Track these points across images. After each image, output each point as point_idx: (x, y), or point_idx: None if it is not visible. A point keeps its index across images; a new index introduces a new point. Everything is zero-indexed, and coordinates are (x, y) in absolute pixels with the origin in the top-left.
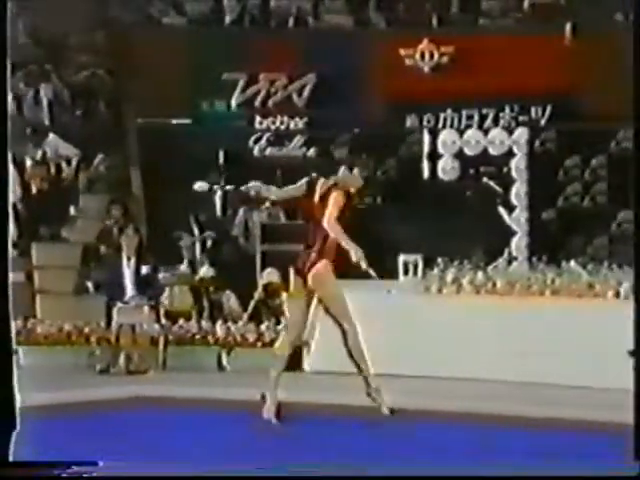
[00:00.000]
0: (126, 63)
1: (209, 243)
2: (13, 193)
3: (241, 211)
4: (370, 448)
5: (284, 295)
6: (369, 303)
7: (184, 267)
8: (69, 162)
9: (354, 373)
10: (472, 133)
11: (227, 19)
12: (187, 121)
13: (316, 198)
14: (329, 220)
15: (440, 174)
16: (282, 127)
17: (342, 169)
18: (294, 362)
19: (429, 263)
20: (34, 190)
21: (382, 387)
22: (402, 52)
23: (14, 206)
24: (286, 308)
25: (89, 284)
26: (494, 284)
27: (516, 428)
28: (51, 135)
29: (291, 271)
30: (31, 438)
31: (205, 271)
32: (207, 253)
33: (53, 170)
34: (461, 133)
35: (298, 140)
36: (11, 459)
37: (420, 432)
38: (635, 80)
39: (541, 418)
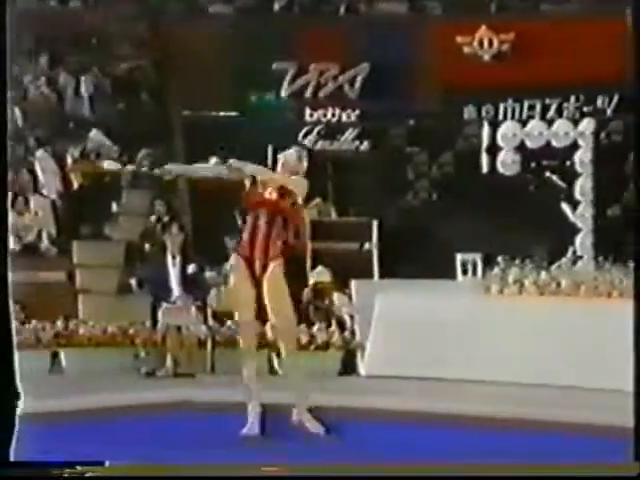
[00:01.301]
0: (171, 54)
1: None
2: (54, 189)
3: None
4: (425, 452)
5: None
6: (425, 305)
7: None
8: (112, 157)
9: (410, 377)
10: (534, 124)
11: (276, 7)
12: (234, 114)
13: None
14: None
15: (500, 168)
16: (333, 119)
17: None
18: (349, 366)
19: (489, 262)
20: (75, 186)
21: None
22: (459, 39)
23: (53, 203)
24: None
25: (133, 283)
26: (558, 284)
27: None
28: (94, 130)
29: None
30: (74, 442)
31: None
32: None
33: (95, 165)
34: (523, 124)
35: (350, 133)
36: (21, 459)
37: (476, 437)
38: (637, 77)
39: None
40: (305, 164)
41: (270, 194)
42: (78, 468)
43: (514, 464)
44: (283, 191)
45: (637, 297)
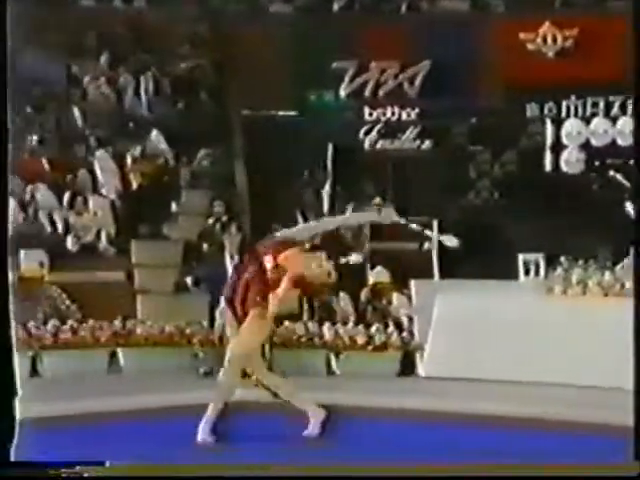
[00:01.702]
0: (231, 54)
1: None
2: (113, 189)
3: (349, 207)
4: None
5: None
6: (486, 305)
7: None
8: (171, 157)
9: (470, 379)
10: (598, 122)
11: (336, 6)
12: (293, 113)
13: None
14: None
15: (563, 167)
16: (393, 118)
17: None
18: (408, 367)
19: (552, 263)
20: (134, 186)
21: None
22: (522, 36)
23: (112, 203)
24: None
25: (191, 283)
26: (622, 285)
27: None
28: (155, 130)
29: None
30: (130, 441)
31: None
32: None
33: (154, 165)
34: (587, 122)
35: (411, 132)
36: (13, 459)
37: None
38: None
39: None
40: None
41: None
42: (77, 468)
43: (514, 464)
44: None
45: (637, 297)
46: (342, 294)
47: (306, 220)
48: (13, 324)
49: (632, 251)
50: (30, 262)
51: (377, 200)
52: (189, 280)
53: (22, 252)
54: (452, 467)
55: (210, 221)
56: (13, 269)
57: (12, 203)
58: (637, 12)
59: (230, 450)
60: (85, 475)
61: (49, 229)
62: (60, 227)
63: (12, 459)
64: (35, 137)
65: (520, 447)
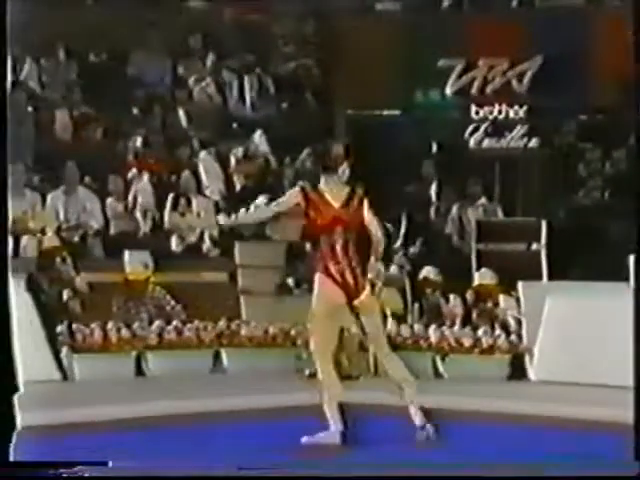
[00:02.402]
0: (335, 52)
1: (420, 241)
2: (217, 190)
3: (455, 207)
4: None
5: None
6: (597, 308)
7: (394, 266)
8: (274, 158)
9: (582, 383)
10: None
11: (445, 2)
12: (398, 112)
13: (336, 206)
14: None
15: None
16: (500, 116)
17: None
18: (518, 371)
19: None
20: (238, 187)
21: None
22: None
23: (216, 204)
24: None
25: (294, 284)
26: None
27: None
28: (258, 131)
29: (324, 279)
30: (234, 443)
31: (426, 271)
32: (421, 252)
33: (258, 166)
34: None
35: (518, 130)
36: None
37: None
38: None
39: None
40: None
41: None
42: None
43: (513, 464)
44: None
45: (637, 296)
46: (452, 295)
47: (410, 219)
48: (15, 323)
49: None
50: (135, 263)
51: (482, 200)
52: (291, 281)
53: (127, 253)
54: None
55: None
56: (117, 270)
57: (114, 204)
58: (637, 12)
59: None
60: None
61: (153, 230)
62: (164, 228)
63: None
64: (140, 138)
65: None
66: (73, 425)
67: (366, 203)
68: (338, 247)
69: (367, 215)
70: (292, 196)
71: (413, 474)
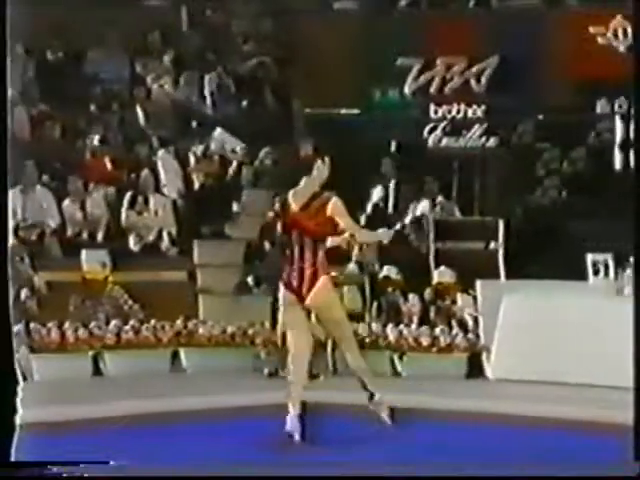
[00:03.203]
0: (294, 51)
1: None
2: (175, 189)
3: (412, 206)
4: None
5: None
6: (554, 307)
7: (353, 265)
8: (234, 155)
9: (538, 381)
10: None
11: (402, 1)
12: (357, 111)
13: (295, 209)
14: (356, 229)
15: (633, 164)
16: (459, 116)
17: (316, 167)
18: (475, 369)
19: (621, 263)
20: (196, 185)
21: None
22: (593, 30)
23: (174, 203)
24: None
25: (253, 283)
26: None
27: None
28: (218, 129)
29: (281, 288)
30: (191, 442)
31: (387, 270)
32: (379, 252)
33: (217, 164)
34: None
35: (477, 130)
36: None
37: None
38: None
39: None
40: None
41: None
42: (81, 467)
43: (513, 464)
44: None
45: (637, 297)
46: (410, 294)
47: (368, 219)
48: (14, 324)
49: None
50: (92, 262)
51: (440, 198)
52: (250, 280)
53: (84, 252)
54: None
55: (268, 221)
56: (75, 269)
57: (73, 203)
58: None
59: None
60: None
61: (111, 229)
62: (122, 227)
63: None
64: (97, 137)
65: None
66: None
67: (330, 205)
68: (294, 251)
69: (336, 218)
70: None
71: (373, 474)
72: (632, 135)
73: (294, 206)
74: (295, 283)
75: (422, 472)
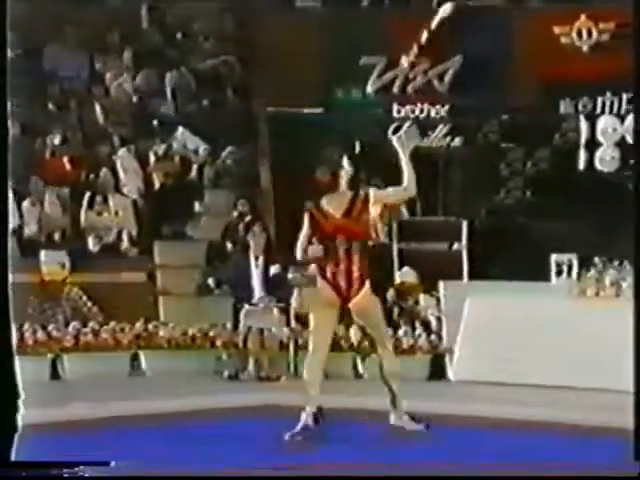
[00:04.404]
0: (256, 49)
1: None
2: (135, 189)
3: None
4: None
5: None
6: (518, 307)
7: (314, 267)
8: (196, 156)
9: (501, 383)
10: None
11: (365, 0)
12: (319, 110)
13: (337, 216)
14: (403, 193)
15: (598, 165)
16: (422, 115)
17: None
18: (438, 371)
19: (585, 264)
20: (157, 185)
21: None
22: (557, 30)
23: (135, 203)
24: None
25: (214, 284)
26: None
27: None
28: (180, 128)
29: (324, 286)
30: (152, 444)
31: None
32: None
33: (178, 164)
34: (622, 119)
35: (441, 129)
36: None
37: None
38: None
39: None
40: None
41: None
42: (80, 468)
43: (512, 464)
44: None
45: (637, 297)
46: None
47: None
48: (13, 326)
49: (633, 252)
50: (51, 263)
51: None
52: (211, 281)
53: (43, 253)
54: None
55: (234, 221)
56: (33, 271)
57: (32, 204)
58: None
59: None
60: (86, 475)
61: (70, 229)
62: (81, 227)
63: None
64: (57, 136)
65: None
66: None
67: (371, 199)
68: (339, 253)
69: (383, 202)
70: (306, 222)
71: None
72: (632, 135)
73: (335, 213)
74: (343, 284)
75: (381, 472)
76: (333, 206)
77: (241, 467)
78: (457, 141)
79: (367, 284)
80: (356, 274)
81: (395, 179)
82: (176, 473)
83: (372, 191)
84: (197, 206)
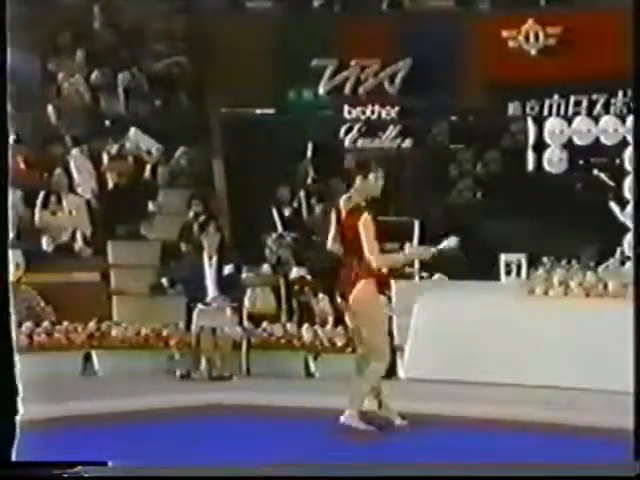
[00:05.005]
0: (208, 50)
1: (291, 241)
2: (89, 189)
3: (324, 206)
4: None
5: None
6: (468, 306)
7: (267, 267)
8: (149, 156)
9: (451, 381)
10: (581, 121)
11: (316, 2)
12: (272, 111)
13: (341, 219)
14: (373, 253)
15: (546, 166)
16: (373, 117)
17: (358, 179)
18: (389, 369)
19: (534, 263)
20: (110, 185)
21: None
22: (505, 33)
23: (88, 202)
24: None
25: (168, 284)
26: (605, 286)
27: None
28: (132, 129)
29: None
30: (106, 445)
31: (295, 272)
32: (293, 252)
33: (131, 164)
34: (569, 121)
35: (391, 131)
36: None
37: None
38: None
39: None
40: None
41: None
42: (79, 468)
43: (513, 464)
44: None
45: (637, 297)
46: (320, 294)
47: (282, 219)
48: (13, 325)
49: (633, 252)
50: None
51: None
52: (165, 281)
53: None
54: (436, 468)
55: (188, 221)
56: None
57: None
58: (637, 11)
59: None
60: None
61: (24, 229)
62: (35, 227)
63: None
64: (12, 136)
65: (505, 449)
66: None
67: (361, 219)
68: (346, 254)
69: (362, 234)
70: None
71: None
72: (632, 135)
73: (344, 212)
74: (342, 286)
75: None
76: (344, 205)
77: (194, 466)
78: (407, 142)
79: (362, 282)
80: (352, 274)
81: (346, 178)
82: (176, 473)
83: (365, 216)
84: (151, 206)
